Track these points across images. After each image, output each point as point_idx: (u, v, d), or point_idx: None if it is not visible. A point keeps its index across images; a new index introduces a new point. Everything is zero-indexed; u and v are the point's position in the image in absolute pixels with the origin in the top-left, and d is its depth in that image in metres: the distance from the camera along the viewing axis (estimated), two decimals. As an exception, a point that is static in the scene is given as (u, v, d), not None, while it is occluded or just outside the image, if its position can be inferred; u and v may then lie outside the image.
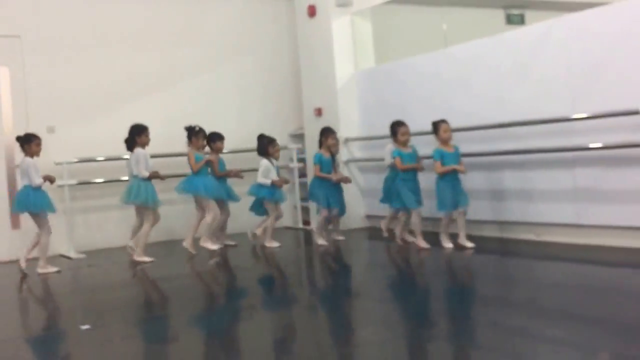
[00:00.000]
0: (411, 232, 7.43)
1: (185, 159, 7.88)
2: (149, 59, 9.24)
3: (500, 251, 6.90)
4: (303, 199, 9.53)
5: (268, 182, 7.86)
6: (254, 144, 8.17)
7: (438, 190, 6.94)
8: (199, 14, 9.68)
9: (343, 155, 9.03)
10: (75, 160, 8.51)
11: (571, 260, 6.30)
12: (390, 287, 5.96)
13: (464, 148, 7.21)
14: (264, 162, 7.95)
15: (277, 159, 8.17)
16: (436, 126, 7.00)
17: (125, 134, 7.58)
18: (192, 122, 7.91)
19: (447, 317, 4.82)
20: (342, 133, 9.07)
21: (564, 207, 6.79)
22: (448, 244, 6.91)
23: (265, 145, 8.02)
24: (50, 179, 7.37)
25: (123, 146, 8.81)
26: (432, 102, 8.07)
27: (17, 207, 7.32)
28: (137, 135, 7.47)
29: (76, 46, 8.82)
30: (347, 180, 8.11)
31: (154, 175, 7.47)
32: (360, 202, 9.21)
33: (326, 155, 7.96)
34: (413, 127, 8.19)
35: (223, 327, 4.94)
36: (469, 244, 6.83)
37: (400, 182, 7.23)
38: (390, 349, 4.06)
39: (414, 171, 7.24)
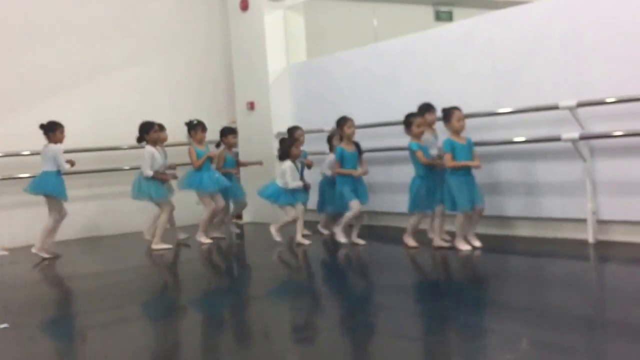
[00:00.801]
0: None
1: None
2: (80, 52, 9.06)
3: (423, 242, 6.80)
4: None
5: (300, 184, 7.28)
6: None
7: (449, 188, 6.12)
8: (131, 6, 9.52)
9: (275, 149, 9.03)
10: (0, 154, 8.26)
11: (491, 251, 6.40)
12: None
13: (391, 142, 7.32)
14: (288, 164, 7.26)
15: (301, 144, 7.72)
16: (448, 114, 6.21)
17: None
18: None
19: (370, 307, 4.90)
20: (274, 127, 9.10)
21: (487, 199, 6.98)
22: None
23: (287, 148, 7.36)
24: (71, 163, 7.43)
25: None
26: (362, 96, 8.18)
27: (34, 189, 7.33)
28: (145, 133, 7.56)
29: (2, 37, 8.56)
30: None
31: (158, 177, 7.55)
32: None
33: (349, 148, 7.00)
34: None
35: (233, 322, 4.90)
36: (478, 243, 6.25)
37: (417, 180, 6.42)
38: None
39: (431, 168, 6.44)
